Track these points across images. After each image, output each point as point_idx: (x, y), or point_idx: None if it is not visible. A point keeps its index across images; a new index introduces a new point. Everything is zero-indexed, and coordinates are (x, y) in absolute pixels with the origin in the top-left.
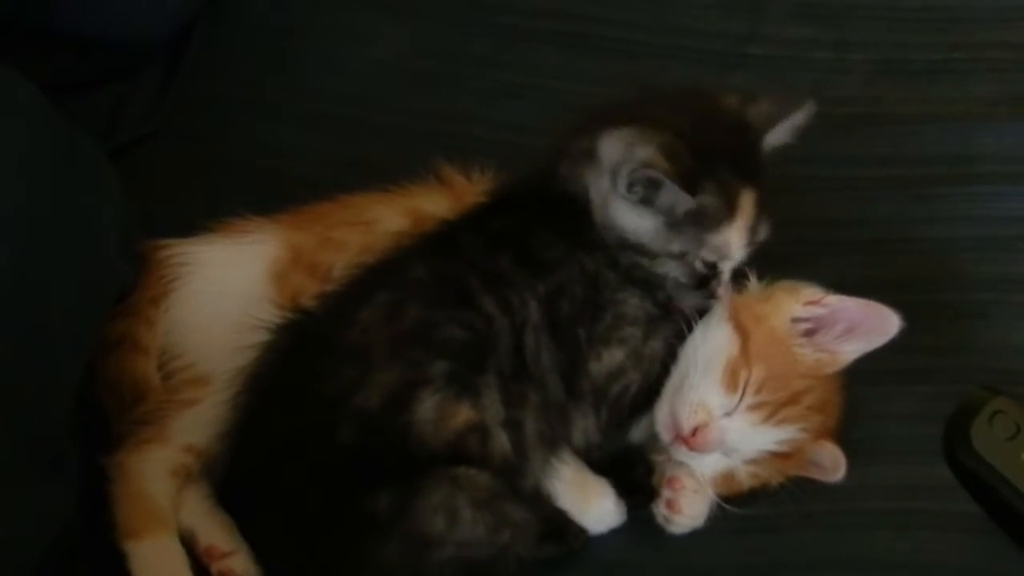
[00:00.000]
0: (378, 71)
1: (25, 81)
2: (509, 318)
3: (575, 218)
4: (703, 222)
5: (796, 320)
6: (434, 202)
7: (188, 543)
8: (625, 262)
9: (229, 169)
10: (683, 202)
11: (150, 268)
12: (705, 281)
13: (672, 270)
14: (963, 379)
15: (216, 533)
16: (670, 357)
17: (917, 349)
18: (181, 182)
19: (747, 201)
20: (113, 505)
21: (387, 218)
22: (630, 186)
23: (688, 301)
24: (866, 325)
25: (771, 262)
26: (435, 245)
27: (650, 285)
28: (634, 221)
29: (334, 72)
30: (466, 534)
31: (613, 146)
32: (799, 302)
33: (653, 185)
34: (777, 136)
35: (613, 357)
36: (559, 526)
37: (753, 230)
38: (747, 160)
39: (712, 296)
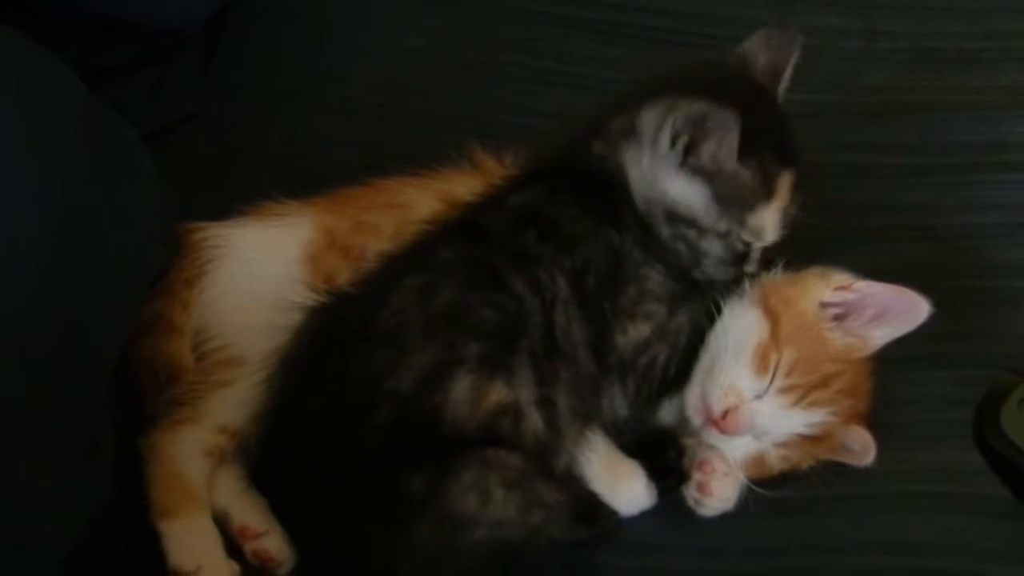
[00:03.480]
0: (411, 58)
1: (62, 65)
2: (539, 297)
3: (606, 196)
4: (743, 200)
5: (826, 305)
6: (467, 186)
7: (221, 523)
8: (656, 240)
9: (263, 154)
10: (726, 152)
11: (185, 250)
12: (740, 259)
13: (715, 248)
14: (993, 364)
15: (250, 513)
16: (697, 333)
17: (947, 335)
18: (216, 166)
19: (784, 184)
20: (147, 485)
21: (420, 202)
22: (674, 140)
23: (723, 275)
24: (896, 311)
25: (802, 249)
26: (461, 227)
27: (676, 264)
28: (684, 190)
29: (367, 59)
30: (498, 514)
31: (653, 113)
32: (828, 287)
33: (698, 130)
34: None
35: (639, 331)
36: (590, 508)
37: (787, 212)
38: (787, 144)
39: (742, 274)
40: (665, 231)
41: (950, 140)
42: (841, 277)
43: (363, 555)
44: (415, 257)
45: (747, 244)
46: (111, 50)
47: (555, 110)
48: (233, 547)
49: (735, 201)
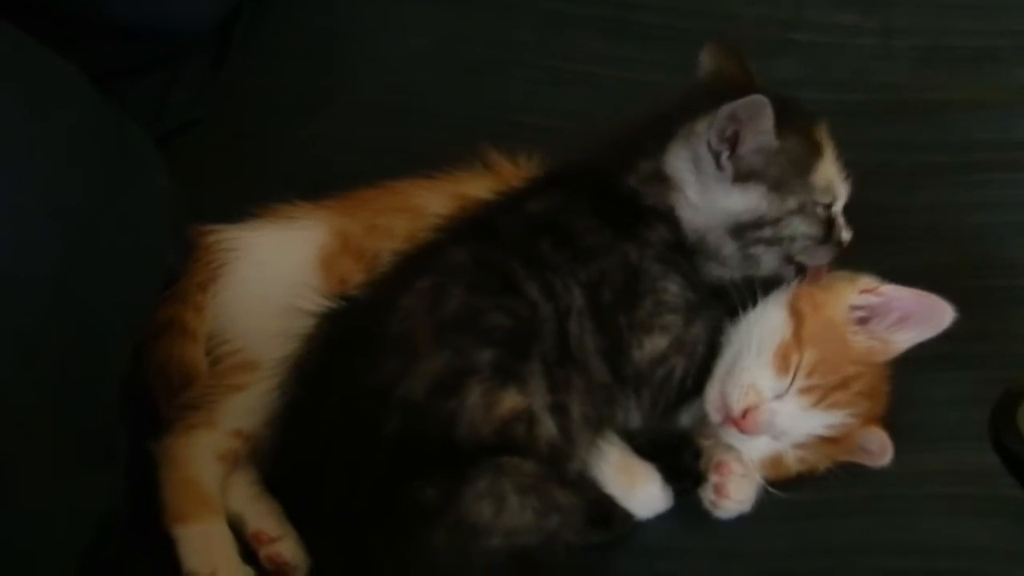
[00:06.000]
0: (423, 59)
1: (73, 68)
2: (553, 304)
3: (626, 210)
4: (799, 168)
5: (852, 308)
6: (480, 188)
7: (236, 528)
8: (681, 253)
9: (275, 156)
10: (766, 137)
11: (198, 254)
12: (828, 226)
13: (799, 226)
14: (1009, 365)
15: (264, 518)
16: (715, 342)
17: (963, 335)
18: (228, 169)
19: (823, 133)
20: (161, 490)
21: (433, 204)
22: (716, 159)
23: (821, 258)
24: (920, 315)
25: None
26: (475, 229)
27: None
28: (743, 199)
29: (379, 60)
30: (514, 520)
31: (678, 152)
32: (856, 291)
33: (734, 135)
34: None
35: (655, 344)
36: (605, 511)
37: (840, 159)
38: (798, 104)
39: (839, 244)
40: (730, 249)
41: (965, 139)
42: (867, 280)
43: (377, 565)
44: (426, 259)
45: (827, 206)
46: (120, 53)
47: (566, 109)
48: (248, 552)
49: (793, 174)
